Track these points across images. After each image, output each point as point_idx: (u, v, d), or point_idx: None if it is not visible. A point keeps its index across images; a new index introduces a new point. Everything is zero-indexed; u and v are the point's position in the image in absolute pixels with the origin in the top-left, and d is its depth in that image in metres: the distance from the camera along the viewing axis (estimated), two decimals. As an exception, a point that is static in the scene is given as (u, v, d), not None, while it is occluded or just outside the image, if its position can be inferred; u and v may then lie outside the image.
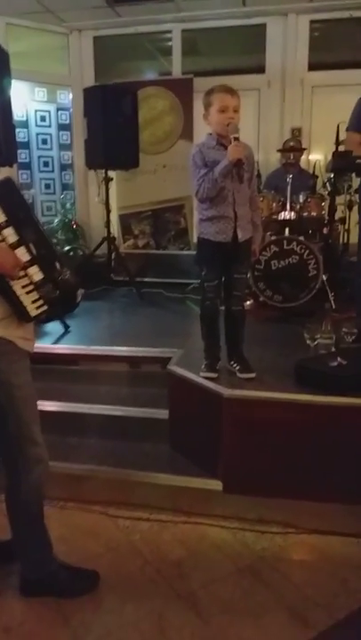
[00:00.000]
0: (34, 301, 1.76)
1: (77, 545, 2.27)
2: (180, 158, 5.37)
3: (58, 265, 1.81)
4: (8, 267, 1.67)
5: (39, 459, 1.86)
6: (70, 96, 5.94)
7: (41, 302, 1.77)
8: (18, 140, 5.35)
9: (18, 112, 5.47)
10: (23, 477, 1.84)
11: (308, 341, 2.85)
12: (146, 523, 2.43)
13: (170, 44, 5.78)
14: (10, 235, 1.71)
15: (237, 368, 2.62)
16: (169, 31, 5.73)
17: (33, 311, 1.75)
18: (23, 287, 1.73)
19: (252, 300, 4.08)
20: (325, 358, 2.61)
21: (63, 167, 6.09)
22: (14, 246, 1.71)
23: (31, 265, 1.75)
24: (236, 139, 2.38)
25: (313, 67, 5.53)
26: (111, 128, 4.73)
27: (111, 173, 5.07)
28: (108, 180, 4.90)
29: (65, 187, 6.11)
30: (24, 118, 5.67)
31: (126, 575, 2.11)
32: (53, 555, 1.99)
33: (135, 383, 3.15)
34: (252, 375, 2.57)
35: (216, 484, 2.48)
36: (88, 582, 2.02)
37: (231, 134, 2.39)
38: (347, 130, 3.31)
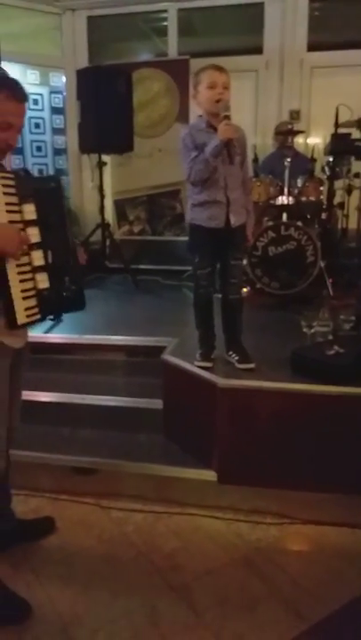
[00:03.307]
0: (28, 308, 1.70)
1: (70, 537, 2.25)
2: (176, 142, 5.19)
3: (67, 280, 1.78)
4: (10, 246, 1.60)
5: None
6: (63, 78, 5.82)
7: (35, 311, 1.73)
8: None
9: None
10: None
11: (304, 329, 2.80)
12: (139, 514, 2.40)
13: (165, 23, 5.65)
14: (33, 234, 1.71)
15: (236, 358, 2.57)
16: (165, 10, 5.59)
17: (22, 318, 1.69)
18: (23, 291, 1.68)
19: (248, 288, 4.03)
20: (322, 347, 2.56)
21: (57, 152, 5.99)
22: (33, 247, 1.71)
23: (42, 271, 1.73)
24: (227, 117, 2.32)
25: (312, 47, 5.41)
26: (105, 111, 4.62)
27: (105, 158, 4.98)
28: (101, 164, 4.81)
29: (58, 172, 6.00)
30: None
31: (119, 567, 2.10)
32: None
33: (129, 372, 3.10)
34: (252, 365, 2.52)
35: (211, 475, 2.45)
36: (17, 611, 1.84)
37: (222, 112, 2.33)
38: None
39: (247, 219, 2.60)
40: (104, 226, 4.91)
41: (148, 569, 2.08)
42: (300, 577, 2.04)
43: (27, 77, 5.60)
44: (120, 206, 5.69)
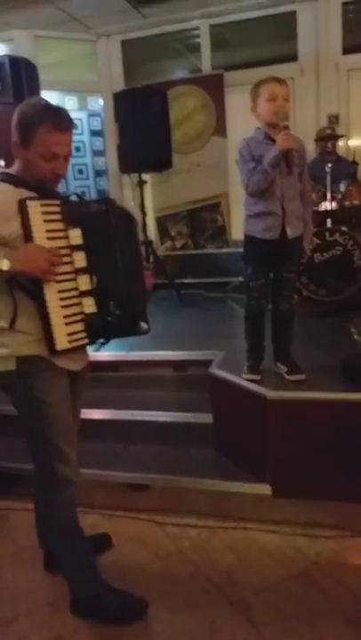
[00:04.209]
0: (71, 333, 1.71)
1: (126, 553, 2.27)
2: (214, 155, 5.32)
3: (111, 304, 1.76)
4: (38, 269, 1.61)
5: (68, 479, 1.82)
6: (100, 102, 5.98)
7: (80, 336, 1.73)
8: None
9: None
10: (54, 495, 1.83)
11: (355, 336, 2.74)
12: (194, 529, 2.40)
13: (198, 40, 5.73)
14: (79, 259, 1.72)
15: (285, 370, 2.54)
16: (196, 28, 5.68)
17: (62, 344, 1.69)
18: (67, 316, 1.69)
19: (296, 296, 3.98)
20: (373, 354, 2.51)
21: (97, 173, 6.15)
22: (79, 272, 1.72)
23: (88, 296, 1.73)
24: (286, 127, 2.33)
25: (348, 50, 5.34)
26: (143, 131, 4.72)
27: (145, 176, 5.07)
28: (142, 183, 4.90)
29: (100, 193, 6.16)
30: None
31: (176, 583, 2.09)
32: (98, 577, 1.95)
33: (178, 387, 3.11)
34: (302, 377, 2.48)
35: (265, 489, 2.42)
36: (136, 610, 1.93)
37: (281, 123, 2.34)
38: None
39: (305, 231, 2.54)
40: (147, 243, 4.98)
41: (205, 585, 2.07)
42: (361, 591, 1.98)
43: (65, 103, 5.80)
44: (162, 223, 5.77)
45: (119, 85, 5.80)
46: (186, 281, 5.20)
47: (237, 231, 5.16)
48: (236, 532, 2.36)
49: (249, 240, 2.52)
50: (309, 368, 2.53)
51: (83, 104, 5.96)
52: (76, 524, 1.90)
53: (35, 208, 1.63)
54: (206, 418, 2.72)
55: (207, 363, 2.85)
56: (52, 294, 1.66)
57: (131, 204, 5.39)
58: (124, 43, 5.89)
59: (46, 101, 1.77)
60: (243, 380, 2.53)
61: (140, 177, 4.95)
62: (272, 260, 2.51)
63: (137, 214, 5.12)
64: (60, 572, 2.06)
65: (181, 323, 4.03)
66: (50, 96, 5.29)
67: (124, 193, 5.98)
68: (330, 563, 2.14)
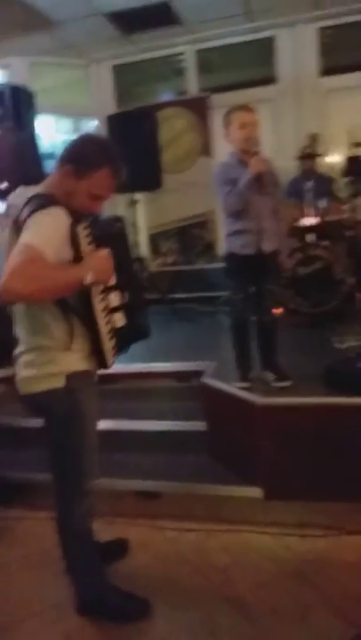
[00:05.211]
0: (112, 348, 1.79)
1: (128, 557, 2.38)
2: (202, 175, 5.49)
3: (142, 316, 1.86)
4: (104, 278, 1.69)
5: (91, 491, 1.93)
6: (93, 123, 6.16)
7: (115, 350, 1.81)
8: (46, 171, 5.59)
9: (45, 144, 5.71)
10: (76, 508, 1.92)
11: (336, 345, 2.89)
12: (192, 533, 2.51)
13: (185, 64, 5.95)
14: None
15: (273, 377, 2.69)
16: (182, 53, 5.90)
17: (110, 359, 1.78)
18: (107, 333, 1.76)
19: (282, 308, 4.14)
20: (354, 360, 2.66)
21: (91, 194, 6.27)
22: (110, 290, 1.77)
23: (118, 311, 1.80)
24: (257, 152, 2.52)
25: (325, 72, 5.58)
26: (134, 152, 4.87)
27: (137, 195, 5.22)
28: (134, 202, 5.05)
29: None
30: (51, 150, 5.90)
31: (176, 583, 2.20)
32: (105, 578, 2.07)
33: (174, 397, 3.22)
34: (289, 383, 2.64)
35: (257, 492, 2.54)
36: (139, 609, 2.02)
37: (252, 148, 2.52)
38: None
39: (280, 245, 2.72)
40: (139, 260, 5.12)
41: (203, 584, 2.19)
42: (349, 585, 2.09)
43: (60, 126, 5.97)
44: (153, 240, 5.92)
45: (111, 108, 5.98)
46: (178, 296, 5.34)
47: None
48: (231, 535, 2.47)
49: (229, 256, 2.70)
50: (296, 375, 2.68)
51: (76, 125, 6.13)
52: (91, 531, 2.01)
53: (83, 232, 1.67)
54: (201, 426, 2.84)
55: (200, 373, 2.98)
56: (100, 317, 1.75)
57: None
58: (114, 67, 6.09)
59: (113, 144, 1.81)
60: (233, 388, 2.67)
61: (132, 196, 5.11)
62: (252, 274, 2.68)
63: (130, 232, 5.27)
64: (67, 575, 2.17)
65: (175, 336, 4.15)
66: (45, 120, 5.46)
67: (118, 212, 6.12)
68: (320, 560, 2.26)
